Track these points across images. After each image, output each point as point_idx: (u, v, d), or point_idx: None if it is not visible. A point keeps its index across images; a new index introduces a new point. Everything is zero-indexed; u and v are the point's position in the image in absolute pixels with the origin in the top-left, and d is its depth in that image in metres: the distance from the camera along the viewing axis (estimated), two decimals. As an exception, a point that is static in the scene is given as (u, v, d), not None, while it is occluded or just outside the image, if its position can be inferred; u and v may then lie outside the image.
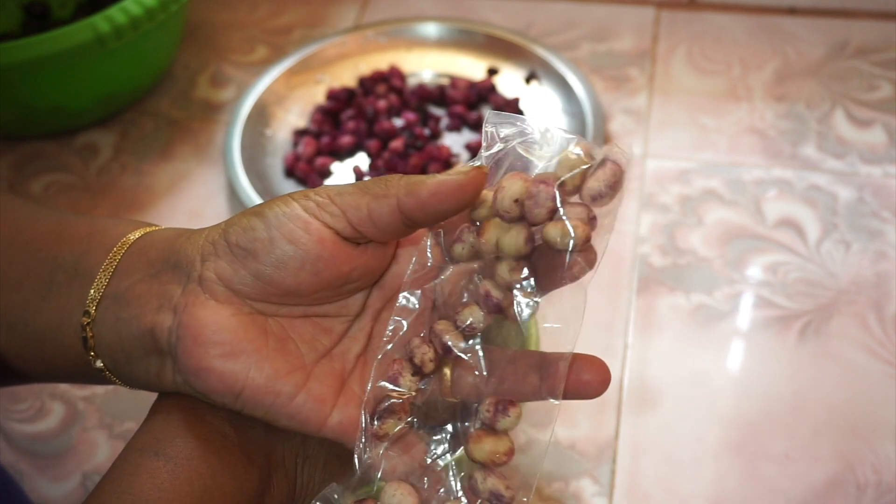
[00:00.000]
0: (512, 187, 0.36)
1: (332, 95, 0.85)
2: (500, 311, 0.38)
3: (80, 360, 0.41)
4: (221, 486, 0.40)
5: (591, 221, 0.35)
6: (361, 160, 0.80)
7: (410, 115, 0.82)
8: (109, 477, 0.40)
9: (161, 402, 0.42)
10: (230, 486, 0.40)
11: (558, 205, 0.35)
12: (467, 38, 0.88)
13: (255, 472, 0.41)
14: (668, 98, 0.85)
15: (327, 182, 0.79)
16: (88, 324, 0.40)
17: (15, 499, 0.51)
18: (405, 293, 0.39)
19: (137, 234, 0.42)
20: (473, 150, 0.79)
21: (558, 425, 0.62)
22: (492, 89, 0.84)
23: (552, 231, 0.35)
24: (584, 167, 0.35)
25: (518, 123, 0.37)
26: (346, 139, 0.80)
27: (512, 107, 0.82)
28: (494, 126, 0.37)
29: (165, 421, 0.41)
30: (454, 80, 0.85)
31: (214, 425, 0.40)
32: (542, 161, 0.36)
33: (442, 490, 0.39)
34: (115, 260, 0.41)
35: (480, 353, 0.39)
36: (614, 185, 0.35)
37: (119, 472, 0.40)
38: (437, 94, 0.84)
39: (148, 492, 0.38)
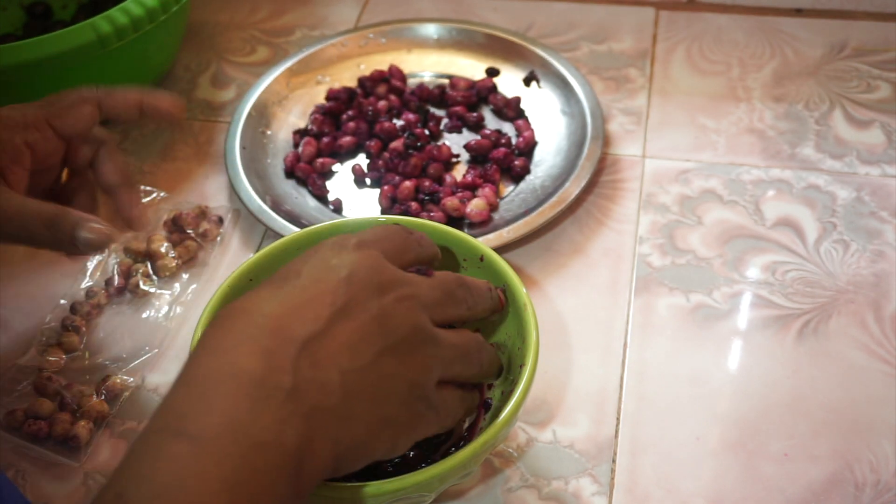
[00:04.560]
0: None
1: (333, 96, 0.85)
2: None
3: None
4: (252, 463, 0.36)
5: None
6: (362, 160, 0.80)
7: (410, 116, 0.82)
8: (128, 461, 0.36)
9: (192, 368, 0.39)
10: (261, 462, 0.36)
11: None
12: (467, 39, 0.88)
13: (292, 440, 0.37)
14: (667, 98, 0.85)
15: (329, 183, 0.79)
16: None
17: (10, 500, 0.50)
18: None
19: None
20: (473, 150, 0.79)
21: (558, 424, 0.62)
22: (492, 90, 0.84)
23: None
24: None
25: None
26: (346, 140, 0.81)
27: (512, 107, 0.82)
28: None
29: (187, 394, 0.38)
30: (454, 81, 0.85)
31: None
32: None
33: None
34: None
35: None
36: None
37: (138, 456, 0.36)
38: (437, 95, 0.84)
39: (170, 478, 0.35)
